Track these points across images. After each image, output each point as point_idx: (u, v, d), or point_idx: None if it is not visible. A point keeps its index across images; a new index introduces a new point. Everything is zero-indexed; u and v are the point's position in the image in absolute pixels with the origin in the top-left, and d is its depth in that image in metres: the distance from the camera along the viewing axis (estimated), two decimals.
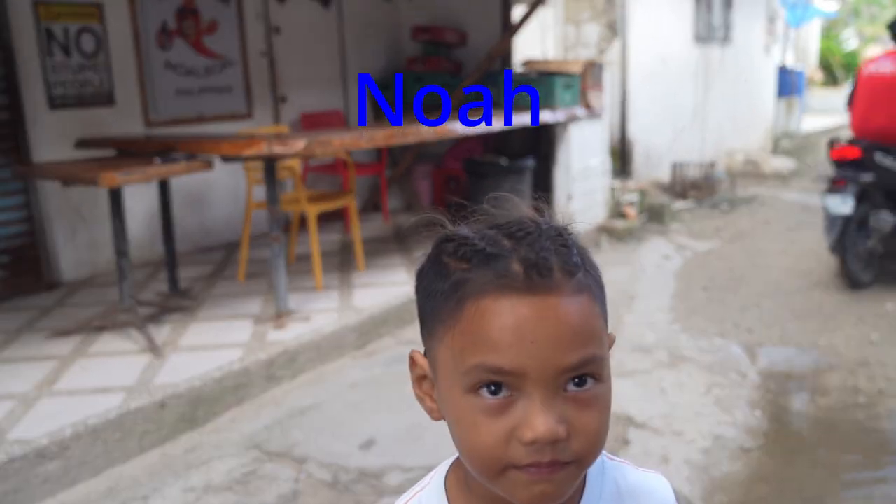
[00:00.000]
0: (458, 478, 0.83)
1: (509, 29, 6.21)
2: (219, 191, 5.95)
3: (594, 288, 0.75)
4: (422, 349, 0.82)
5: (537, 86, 5.76)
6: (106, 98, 5.16)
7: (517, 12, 6.93)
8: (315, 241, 4.59)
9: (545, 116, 5.61)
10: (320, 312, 4.24)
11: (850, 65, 17.67)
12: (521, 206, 0.80)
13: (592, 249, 6.20)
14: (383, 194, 6.64)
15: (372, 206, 6.98)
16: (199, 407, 3.39)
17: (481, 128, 4.80)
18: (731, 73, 9.74)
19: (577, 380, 0.71)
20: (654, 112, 8.12)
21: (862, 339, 4.30)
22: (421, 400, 0.81)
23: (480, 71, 6.30)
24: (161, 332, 4.00)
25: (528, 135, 6.51)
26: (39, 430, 2.96)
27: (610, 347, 0.77)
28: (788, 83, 11.81)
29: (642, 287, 5.36)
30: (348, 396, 3.67)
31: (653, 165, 8.25)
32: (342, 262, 5.37)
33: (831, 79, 17.93)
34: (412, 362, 0.81)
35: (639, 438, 3.29)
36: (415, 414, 3.52)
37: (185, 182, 5.36)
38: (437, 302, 0.74)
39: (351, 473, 2.99)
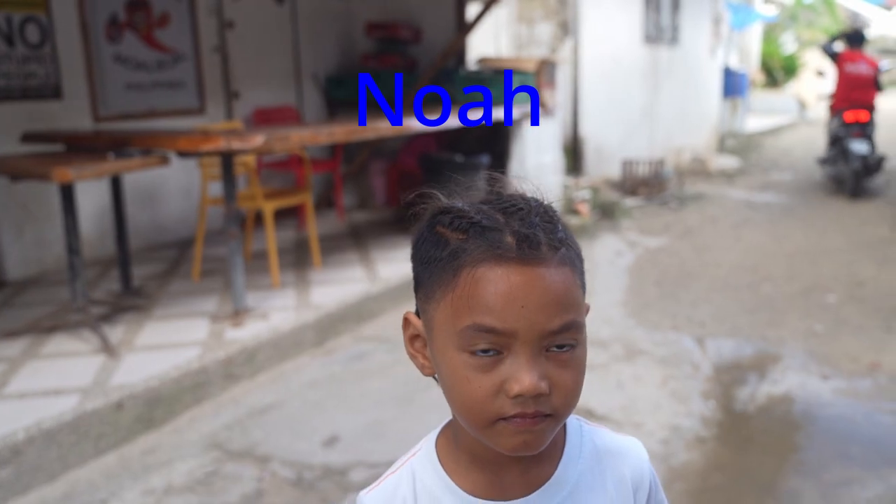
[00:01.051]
0: (447, 439, 0.91)
1: (464, 27, 6.24)
2: (171, 187, 5.85)
3: (575, 261, 0.83)
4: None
5: (492, 84, 5.80)
6: (52, 91, 5.02)
7: (471, 10, 6.96)
8: (272, 238, 4.55)
9: (500, 114, 5.65)
10: (278, 310, 4.21)
11: (790, 67, 18.21)
12: (509, 184, 0.88)
13: None
14: (338, 191, 6.61)
15: (326, 202, 6.93)
16: (156, 407, 3.33)
17: (439, 125, 4.82)
18: (679, 74, 9.95)
19: (557, 344, 0.79)
20: (604, 110, 8.25)
21: (807, 331, 4.44)
22: (413, 357, 0.89)
23: (435, 68, 6.31)
24: (115, 332, 3.92)
25: (482, 132, 6.55)
26: None
27: (586, 315, 0.84)
28: (732, 84, 12.12)
29: (596, 283, 5.44)
30: (308, 394, 3.65)
31: (604, 163, 8.38)
32: (298, 259, 5.33)
33: (772, 80, 18.44)
34: (406, 322, 0.89)
35: None
36: (376, 411, 3.53)
37: (136, 178, 5.25)
38: (434, 268, 0.82)
39: (315, 471, 2.98)
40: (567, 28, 7.53)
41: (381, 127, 4.26)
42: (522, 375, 0.76)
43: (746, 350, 4.23)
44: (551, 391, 0.78)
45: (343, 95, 7.02)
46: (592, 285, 5.23)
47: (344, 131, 3.94)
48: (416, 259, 0.87)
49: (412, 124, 4.56)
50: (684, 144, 10.35)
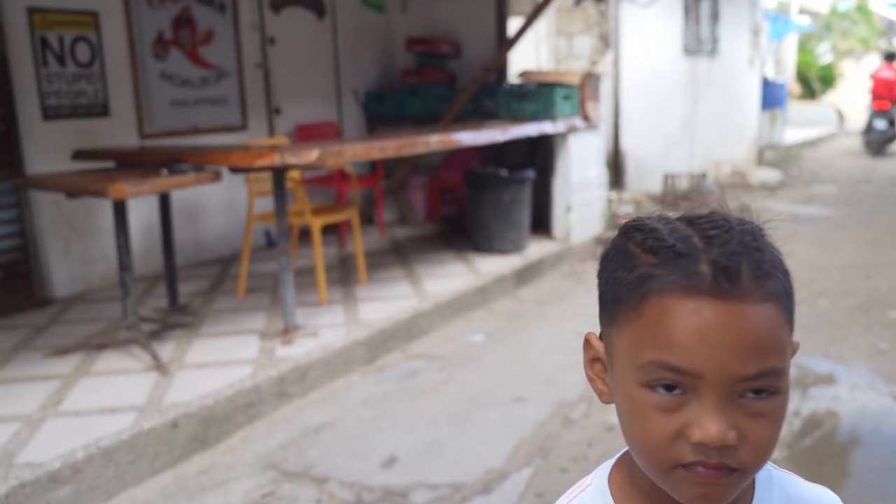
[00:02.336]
0: (622, 476, 0.83)
1: (506, 41, 6.18)
2: (213, 204, 5.85)
3: (783, 296, 0.72)
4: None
5: (536, 97, 5.74)
6: (100, 109, 5.04)
7: (512, 25, 6.92)
8: (319, 255, 4.50)
9: (545, 128, 5.59)
10: (327, 327, 4.15)
11: (827, 78, 17.94)
12: (715, 199, 0.79)
13: (590, 261, 6.21)
14: (379, 207, 6.57)
15: (366, 218, 6.89)
16: (210, 426, 3.29)
17: (485, 139, 4.76)
18: (718, 86, 9.82)
19: (753, 389, 0.69)
20: (645, 123, 8.15)
21: (871, 349, 4.30)
22: (592, 381, 0.82)
23: (477, 82, 6.26)
24: (165, 350, 3.89)
25: (525, 146, 6.48)
26: (49, 452, 2.84)
27: (793, 356, 0.75)
28: (771, 95, 11.95)
29: None
30: (362, 413, 3.58)
31: (644, 177, 8.26)
32: (343, 275, 5.28)
33: (809, 91, 18.18)
34: (587, 343, 0.82)
35: None
36: (432, 429, 3.45)
37: (179, 195, 5.25)
38: (619, 290, 0.74)
39: (375, 492, 2.90)
40: (607, 41, 7.46)
41: (430, 141, 4.21)
42: (707, 422, 0.68)
43: (809, 368, 4.10)
44: (740, 443, 0.69)
45: (383, 111, 7.00)
46: None
47: (395, 145, 3.89)
48: (602, 276, 0.79)
49: (459, 138, 4.50)
50: (723, 157, 10.20)
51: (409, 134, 4.42)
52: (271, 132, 6.22)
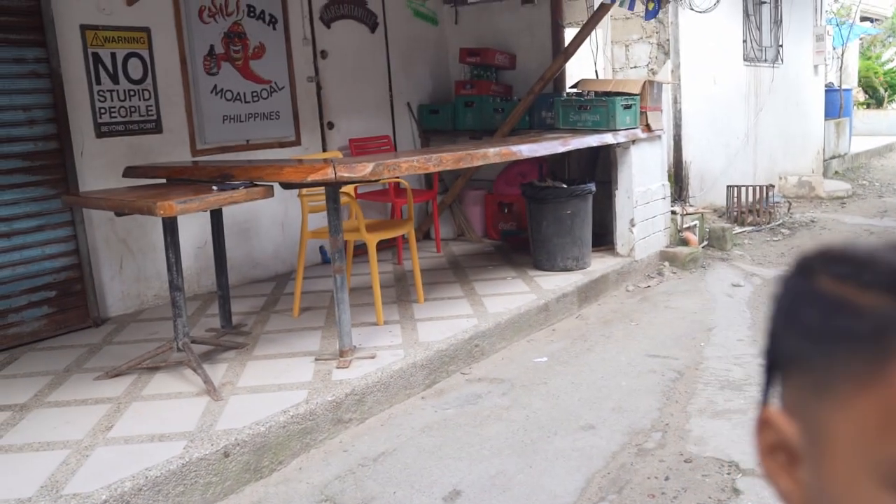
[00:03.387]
0: None
1: (564, 50, 5.97)
2: (264, 220, 5.74)
3: None
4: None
5: (596, 107, 5.51)
6: (153, 125, 4.98)
7: (567, 34, 6.71)
8: (375, 274, 4.33)
9: (606, 139, 5.35)
10: (385, 349, 3.97)
11: (894, 84, 17.24)
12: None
13: (656, 278, 5.92)
14: (436, 222, 6.39)
15: (422, 234, 6.72)
16: (264, 455, 3.12)
17: (545, 150, 4.55)
18: (782, 94, 9.44)
19: None
20: (707, 134, 7.83)
21: None
22: (772, 476, 0.56)
23: (534, 93, 6.06)
24: (217, 372, 3.75)
25: (585, 158, 6.25)
26: (97, 482, 2.70)
27: None
28: (836, 104, 11.47)
29: (717, 317, 5.04)
30: (422, 441, 3.38)
31: (707, 189, 7.94)
32: (399, 293, 5.11)
33: (874, 99, 17.50)
34: (764, 424, 0.56)
35: (750, 487, 2.97)
36: (497, 460, 3.22)
37: (230, 212, 5.15)
38: (836, 347, 0.51)
39: None
40: (666, 48, 7.18)
41: (488, 153, 4.01)
42: None
43: None
44: None
45: (437, 124, 6.84)
46: (713, 319, 4.80)
47: (453, 158, 3.70)
48: (782, 325, 0.56)
49: (519, 150, 4.30)
50: (788, 168, 9.79)
51: (466, 146, 4.23)
52: (324, 147, 6.10)
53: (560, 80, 6.62)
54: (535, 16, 6.68)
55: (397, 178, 5.03)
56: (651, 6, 5.53)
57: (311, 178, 3.18)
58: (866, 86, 17.29)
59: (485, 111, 6.56)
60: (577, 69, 7.41)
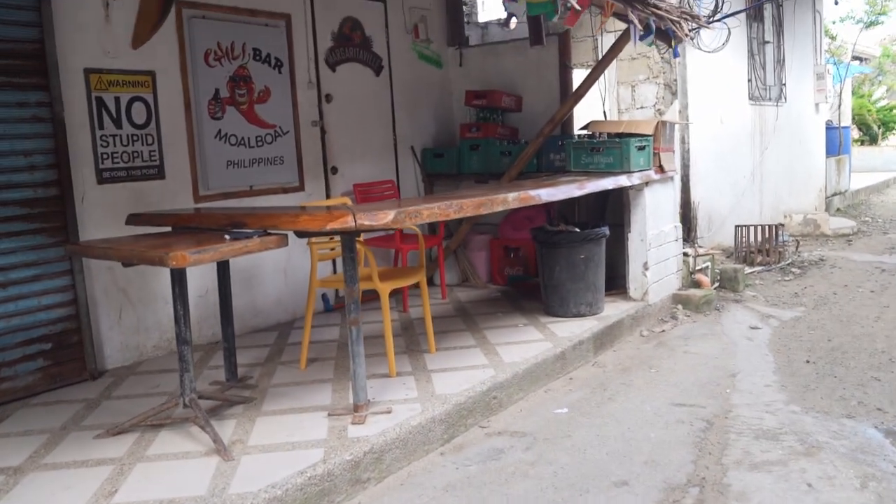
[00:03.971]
0: None
1: (576, 92, 5.88)
2: (269, 267, 5.57)
3: None
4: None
5: (609, 149, 5.41)
6: (155, 171, 4.83)
7: (574, 76, 6.65)
8: (388, 324, 4.16)
9: (622, 181, 5.24)
10: (400, 403, 3.78)
11: (887, 121, 17.34)
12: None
13: (670, 322, 5.75)
14: (441, 268, 6.23)
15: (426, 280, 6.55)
16: None
17: (562, 194, 4.43)
18: (786, 133, 9.42)
19: None
20: (714, 173, 7.75)
21: None
22: None
23: (543, 135, 5.96)
24: (225, 429, 3.55)
25: (594, 200, 6.14)
26: None
27: None
28: (836, 141, 11.48)
29: (739, 362, 4.87)
30: (446, 501, 3.17)
31: (714, 229, 7.83)
32: (408, 343, 4.93)
33: (868, 136, 17.59)
34: None
35: None
36: None
37: (232, 259, 4.99)
38: None
39: None
40: (673, 89, 7.14)
41: (508, 198, 3.88)
42: None
43: None
44: None
45: (441, 168, 6.74)
46: (735, 364, 4.62)
47: (473, 204, 3.56)
48: None
49: (538, 195, 4.17)
50: (792, 206, 9.72)
51: (485, 191, 4.10)
52: (328, 192, 5.97)
53: (567, 121, 6.54)
54: (542, 57, 6.62)
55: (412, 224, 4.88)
56: (672, 45, 5.46)
57: (330, 227, 3.03)
58: (860, 123, 17.40)
59: (491, 154, 6.46)
60: (582, 111, 7.35)
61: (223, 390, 4.13)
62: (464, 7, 7.50)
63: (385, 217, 3.09)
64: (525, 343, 4.81)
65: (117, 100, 4.59)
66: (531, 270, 6.39)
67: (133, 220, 4.03)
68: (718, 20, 6.14)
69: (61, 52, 4.31)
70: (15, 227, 4.17)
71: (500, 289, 6.50)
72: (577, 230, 5.34)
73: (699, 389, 4.41)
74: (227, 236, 3.26)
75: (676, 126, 6.54)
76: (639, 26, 4.73)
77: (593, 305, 5.39)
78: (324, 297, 5.94)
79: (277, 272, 5.64)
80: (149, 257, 2.96)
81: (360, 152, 6.26)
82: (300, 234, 3.30)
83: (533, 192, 4.14)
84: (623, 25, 5.36)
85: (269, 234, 3.28)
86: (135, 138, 4.70)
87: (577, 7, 4.06)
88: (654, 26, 4.89)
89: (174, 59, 4.91)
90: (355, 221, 3.07)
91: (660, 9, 4.92)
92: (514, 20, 8.30)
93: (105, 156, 4.55)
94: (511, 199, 3.92)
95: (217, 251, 3.00)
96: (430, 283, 6.58)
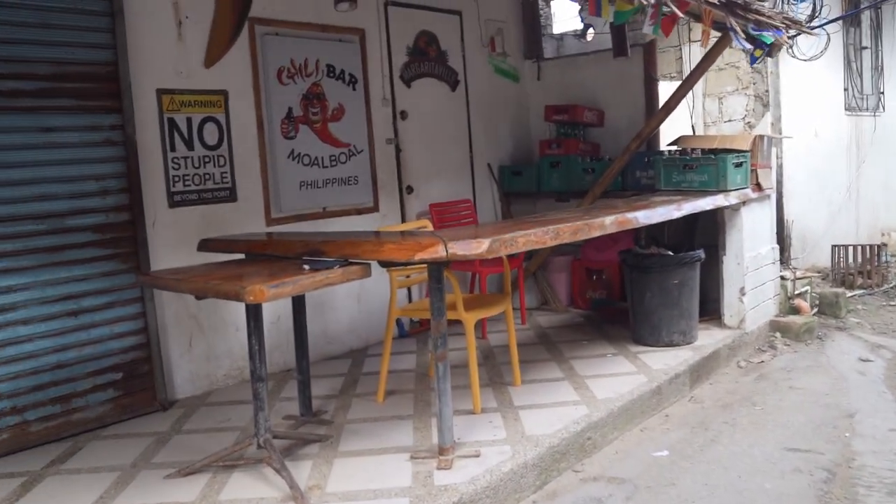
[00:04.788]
0: None
1: (665, 105, 5.52)
2: (340, 293, 5.34)
3: None
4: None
5: (704, 166, 5.03)
6: (227, 193, 4.67)
7: (662, 88, 6.30)
8: (473, 357, 3.86)
9: (719, 201, 4.86)
10: (489, 445, 3.48)
11: None
12: None
13: (768, 351, 5.31)
14: (521, 292, 5.92)
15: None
16: None
17: (659, 216, 4.08)
18: (884, 145, 8.82)
19: None
20: (809, 190, 7.27)
21: None
22: None
23: (629, 151, 5.62)
24: (301, 472, 3.30)
25: (681, 220, 5.74)
26: None
27: None
28: None
29: (855, 401, 4.42)
30: None
31: (809, 249, 7.33)
32: (490, 374, 4.62)
33: None
34: None
35: None
36: None
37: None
38: None
39: None
40: (765, 100, 6.70)
41: (605, 222, 3.56)
42: None
43: None
44: None
45: (519, 186, 6.45)
46: (850, 403, 4.16)
47: (570, 229, 3.26)
48: None
49: (635, 217, 3.84)
50: (891, 223, 9.09)
51: (580, 215, 3.79)
52: (403, 212, 5.73)
53: (652, 137, 6.17)
54: (626, 69, 6.28)
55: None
56: (759, 53, 5.06)
57: (419, 257, 2.77)
58: None
59: (573, 172, 6.13)
60: (666, 124, 6.98)
61: (297, 426, 3.90)
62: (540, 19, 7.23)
63: (479, 247, 2.81)
64: (616, 376, 4.46)
65: (189, 120, 4.44)
66: (615, 294, 6.03)
67: (205, 246, 3.85)
68: (820, 26, 5.71)
69: (134, 73, 4.18)
70: (87, 254, 4.04)
71: (582, 313, 6.15)
72: (671, 253, 4.97)
73: (813, 432, 3.99)
74: (305, 266, 3.02)
75: (772, 140, 6.11)
76: (740, 33, 4.36)
77: (687, 334, 5.01)
78: (398, 322, 5.69)
79: (350, 297, 5.41)
80: (224, 291, 2.74)
81: (436, 170, 6.02)
82: (385, 264, 3.04)
83: (630, 215, 3.82)
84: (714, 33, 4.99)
85: (351, 263, 3.03)
86: (206, 160, 4.54)
87: (679, 13, 3.72)
88: (768, 39, 4.50)
89: (247, 78, 4.74)
90: (446, 251, 2.80)
91: (762, 14, 4.54)
92: (591, 31, 8.01)
93: (177, 178, 4.40)
94: (609, 223, 3.59)
95: (297, 284, 2.77)
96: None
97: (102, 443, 3.87)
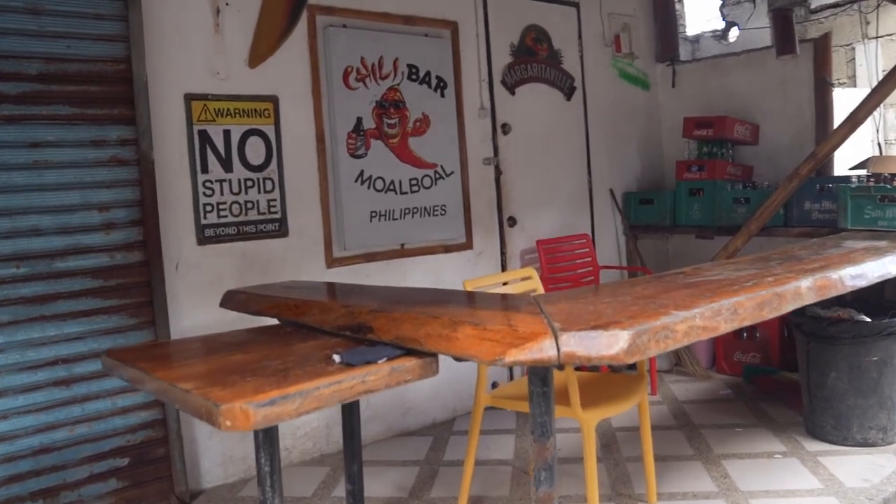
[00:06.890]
0: None
1: (851, 117, 4.16)
2: None
3: None
4: None
5: None
6: (276, 226, 3.67)
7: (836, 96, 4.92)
8: (593, 474, 2.66)
9: None
10: None
11: None
12: None
13: None
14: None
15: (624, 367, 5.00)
16: None
17: (876, 275, 2.78)
18: None
19: None
20: None
21: None
22: None
23: (801, 177, 4.29)
24: None
25: None
26: None
27: None
28: None
29: None
30: None
31: None
32: (612, 479, 3.40)
33: None
34: None
35: None
36: None
37: None
38: None
39: None
40: None
41: (801, 289, 2.31)
42: None
43: None
44: None
45: (649, 218, 5.20)
46: None
47: (753, 304, 2.04)
48: None
49: (839, 278, 2.56)
50: None
51: (756, 274, 2.54)
52: (503, 250, 4.60)
53: (829, 160, 4.80)
54: (789, 72, 4.95)
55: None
56: None
57: (511, 359, 1.63)
58: None
59: (720, 201, 4.84)
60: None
61: None
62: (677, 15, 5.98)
63: (613, 344, 1.65)
64: (793, 495, 3.15)
65: (227, 134, 3.47)
66: (774, 359, 4.69)
67: (229, 301, 2.82)
68: None
69: (153, 72, 3.24)
70: (83, 306, 3.11)
71: (728, 380, 4.82)
72: (866, 319, 3.61)
73: None
74: (335, 357, 1.93)
75: None
76: None
77: (888, 431, 3.62)
78: (494, 384, 4.55)
79: None
80: (191, 405, 1.68)
81: (546, 198, 4.85)
82: (460, 359, 1.91)
83: (833, 276, 2.53)
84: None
85: (410, 353, 1.91)
86: (249, 184, 3.55)
87: None
88: None
89: (304, 81, 3.74)
90: (558, 351, 1.64)
91: None
92: (734, 30, 6.66)
93: (209, 207, 3.43)
94: (805, 289, 2.33)
95: (307, 398, 1.66)
96: (629, 366, 5.02)
97: None
